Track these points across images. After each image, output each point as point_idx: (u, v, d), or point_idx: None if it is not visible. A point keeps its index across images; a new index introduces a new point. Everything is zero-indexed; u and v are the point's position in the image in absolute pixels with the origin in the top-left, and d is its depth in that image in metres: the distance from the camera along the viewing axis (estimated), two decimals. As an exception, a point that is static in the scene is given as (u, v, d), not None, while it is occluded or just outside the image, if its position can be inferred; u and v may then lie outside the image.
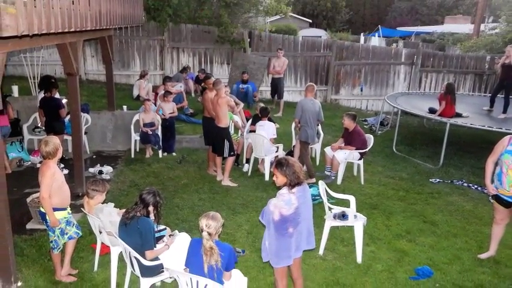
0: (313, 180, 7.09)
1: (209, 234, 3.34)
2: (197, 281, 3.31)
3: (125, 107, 9.08)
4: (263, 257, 3.78)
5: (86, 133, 8.01)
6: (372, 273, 4.74)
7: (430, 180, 7.73)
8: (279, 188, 3.65)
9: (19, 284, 4.27)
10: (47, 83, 7.81)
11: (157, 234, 4.16)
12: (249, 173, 7.61)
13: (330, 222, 5.05)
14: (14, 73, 11.56)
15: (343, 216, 5.05)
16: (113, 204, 4.71)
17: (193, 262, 3.43)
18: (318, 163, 8.24)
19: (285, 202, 3.53)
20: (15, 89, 8.92)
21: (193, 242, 3.54)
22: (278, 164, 3.60)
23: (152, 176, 7.34)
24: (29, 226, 5.37)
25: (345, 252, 5.14)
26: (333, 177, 7.34)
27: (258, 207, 5.94)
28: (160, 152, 8.30)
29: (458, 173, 8.19)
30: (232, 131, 7.94)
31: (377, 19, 35.26)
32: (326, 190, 5.27)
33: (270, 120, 7.93)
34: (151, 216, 3.97)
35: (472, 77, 13.77)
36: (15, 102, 8.24)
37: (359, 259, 4.94)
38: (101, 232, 4.39)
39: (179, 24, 12.82)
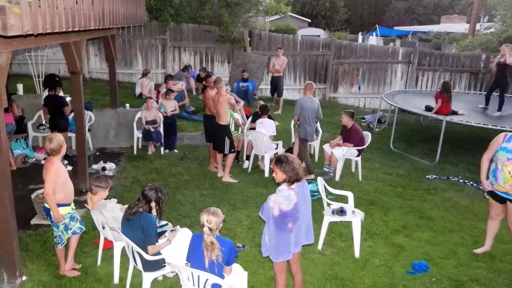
0: (312, 176, 7.13)
1: (210, 229, 3.38)
2: (198, 276, 3.35)
3: (127, 104, 9.11)
4: (263, 252, 3.81)
5: (89, 130, 8.03)
6: (369, 267, 4.80)
7: (427, 176, 7.80)
8: (279, 184, 3.67)
9: (24, 278, 4.31)
10: (51, 81, 7.81)
11: (159, 230, 4.21)
12: (249, 170, 7.68)
13: (328, 218, 5.11)
14: (19, 71, 11.62)
15: (341, 211, 5.10)
16: (115, 200, 4.74)
17: (195, 257, 3.47)
18: (316, 160, 8.30)
19: (284, 198, 3.56)
20: (20, 87, 8.94)
21: (195, 237, 3.58)
22: (277, 160, 3.62)
23: (154, 172, 7.40)
24: (33, 221, 5.42)
25: (343, 247, 5.19)
26: (332, 174, 7.41)
27: (258, 203, 6.00)
28: (162, 149, 8.36)
29: (454, 169, 8.26)
30: (232, 128, 8.00)
31: (374, 19, 35.35)
32: (325, 186, 5.32)
33: (269, 117, 7.98)
34: (154, 212, 4.01)
35: (467, 75, 13.80)
36: (20, 100, 8.28)
37: (357, 254, 5.00)
38: (104, 227, 4.43)
39: (181, 24, 12.88)
